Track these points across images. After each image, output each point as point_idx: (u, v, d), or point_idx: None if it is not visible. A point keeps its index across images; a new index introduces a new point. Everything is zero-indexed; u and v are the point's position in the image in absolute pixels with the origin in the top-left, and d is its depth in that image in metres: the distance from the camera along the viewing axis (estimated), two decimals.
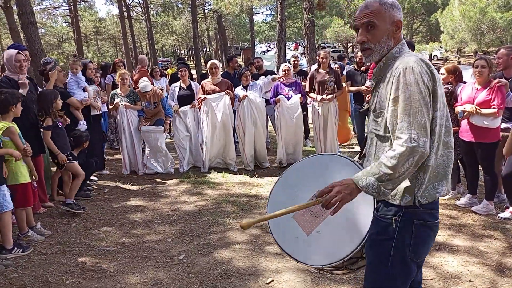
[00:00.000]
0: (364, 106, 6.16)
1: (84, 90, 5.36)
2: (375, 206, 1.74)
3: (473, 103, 4.04)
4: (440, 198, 1.70)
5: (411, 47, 5.69)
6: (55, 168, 4.78)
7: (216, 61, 6.11)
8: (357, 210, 1.78)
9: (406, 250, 1.63)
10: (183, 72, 6.17)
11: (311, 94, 6.14)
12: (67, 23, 36.97)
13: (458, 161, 4.62)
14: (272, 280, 3.00)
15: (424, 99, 1.52)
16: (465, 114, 4.07)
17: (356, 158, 2.01)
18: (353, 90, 6.31)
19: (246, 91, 5.98)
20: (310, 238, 1.86)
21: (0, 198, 3.31)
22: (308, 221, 1.88)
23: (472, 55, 28.13)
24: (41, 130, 4.32)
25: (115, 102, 5.73)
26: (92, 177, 5.60)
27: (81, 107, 5.14)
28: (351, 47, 36.70)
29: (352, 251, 1.74)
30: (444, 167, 1.64)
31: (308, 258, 1.87)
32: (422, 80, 1.53)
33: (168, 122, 6.18)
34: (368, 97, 6.13)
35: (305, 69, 9.27)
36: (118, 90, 5.84)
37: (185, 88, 6.18)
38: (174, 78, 7.96)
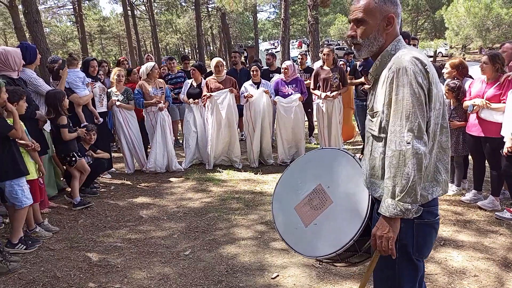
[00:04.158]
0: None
1: (87, 85, 5.39)
2: (370, 206, 1.73)
3: (483, 98, 4.03)
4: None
5: (408, 38, 5.58)
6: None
7: (221, 59, 6.17)
8: (354, 206, 1.79)
9: (410, 250, 1.62)
10: (193, 71, 6.34)
11: (315, 91, 6.15)
12: (71, 22, 37.18)
13: (469, 157, 4.59)
14: (278, 275, 3.02)
15: (419, 100, 1.48)
16: (474, 108, 4.06)
17: (358, 154, 2.03)
18: (356, 82, 6.27)
19: (258, 88, 6.01)
20: (308, 229, 1.90)
21: (19, 193, 3.34)
22: (307, 213, 1.92)
23: (477, 52, 27.96)
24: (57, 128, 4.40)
25: (110, 100, 5.77)
26: (107, 175, 5.77)
27: (83, 103, 5.18)
28: None
29: (343, 246, 1.74)
30: (433, 168, 1.59)
31: (304, 249, 1.91)
32: (416, 81, 1.48)
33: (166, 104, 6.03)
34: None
35: (311, 67, 9.28)
36: (114, 88, 5.87)
37: (195, 86, 6.24)
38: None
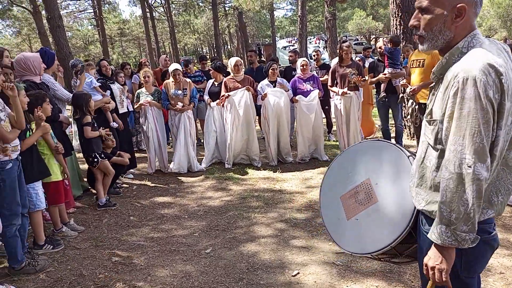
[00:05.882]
0: (381, 95, 6.08)
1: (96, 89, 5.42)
2: (415, 216, 1.61)
3: None
4: None
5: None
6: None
7: (240, 59, 6.22)
8: (397, 212, 1.69)
9: (458, 269, 1.45)
10: (212, 72, 6.44)
11: (333, 88, 6.11)
12: (92, 26, 37.99)
13: None
14: (298, 273, 3.03)
15: (485, 117, 1.26)
16: None
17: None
18: (374, 81, 6.23)
19: (274, 86, 6.03)
20: (349, 223, 1.86)
21: (34, 196, 3.43)
22: (351, 206, 1.86)
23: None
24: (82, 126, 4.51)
25: (140, 101, 5.84)
26: (129, 175, 5.85)
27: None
28: (373, 39, 36.02)
29: (378, 249, 1.70)
30: (490, 188, 1.41)
31: (341, 241, 1.91)
32: (485, 95, 1.25)
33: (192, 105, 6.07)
34: (384, 87, 6.04)
35: (327, 63, 9.22)
36: (143, 89, 5.97)
37: (216, 85, 6.33)
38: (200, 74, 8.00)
